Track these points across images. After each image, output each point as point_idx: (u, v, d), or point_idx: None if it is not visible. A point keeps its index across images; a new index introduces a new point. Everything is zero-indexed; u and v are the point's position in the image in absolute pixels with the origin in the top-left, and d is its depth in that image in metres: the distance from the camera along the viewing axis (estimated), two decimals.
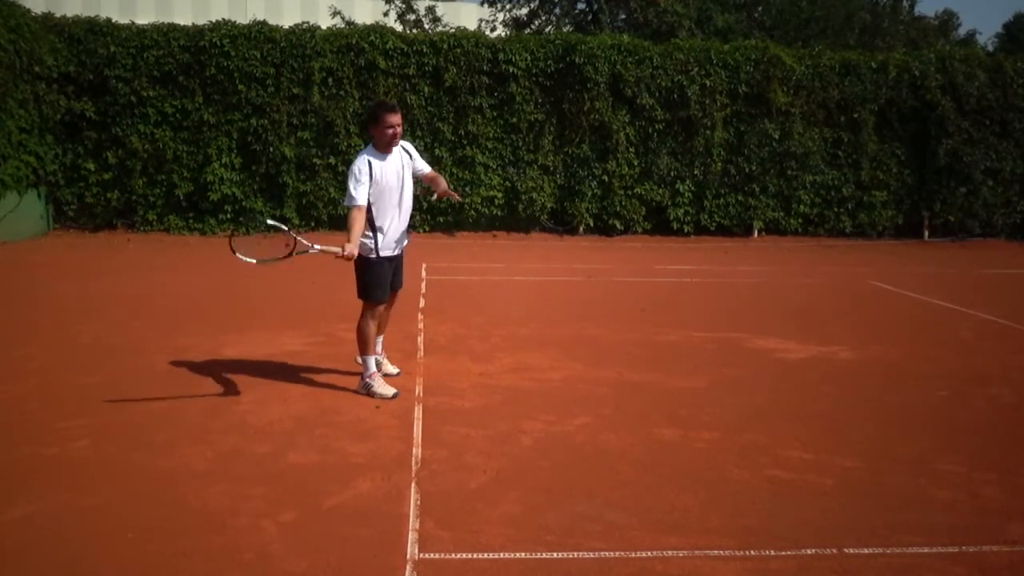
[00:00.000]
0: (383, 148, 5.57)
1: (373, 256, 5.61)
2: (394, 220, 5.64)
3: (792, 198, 16.98)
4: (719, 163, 16.63)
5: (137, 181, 15.27)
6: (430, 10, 23.31)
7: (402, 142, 5.69)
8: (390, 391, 5.72)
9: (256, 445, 4.80)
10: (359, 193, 5.42)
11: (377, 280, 5.68)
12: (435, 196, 5.84)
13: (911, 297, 10.52)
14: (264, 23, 15.56)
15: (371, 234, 5.58)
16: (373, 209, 5.53)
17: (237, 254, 5.40)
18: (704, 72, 16.37)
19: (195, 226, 15.55)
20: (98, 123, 15.11)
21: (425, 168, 5.87)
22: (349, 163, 5.72)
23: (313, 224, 15.81)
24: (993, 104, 17.00)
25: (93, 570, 3.41)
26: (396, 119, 5.52)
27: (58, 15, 15.28)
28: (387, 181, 5.54)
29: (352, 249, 5.33)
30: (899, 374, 6.73)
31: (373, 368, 5.77)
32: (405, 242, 5.84)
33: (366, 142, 5.94)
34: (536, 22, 24.74)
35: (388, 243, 5.68)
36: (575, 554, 3.58)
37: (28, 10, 14.37)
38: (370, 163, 5.48)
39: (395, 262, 5.81)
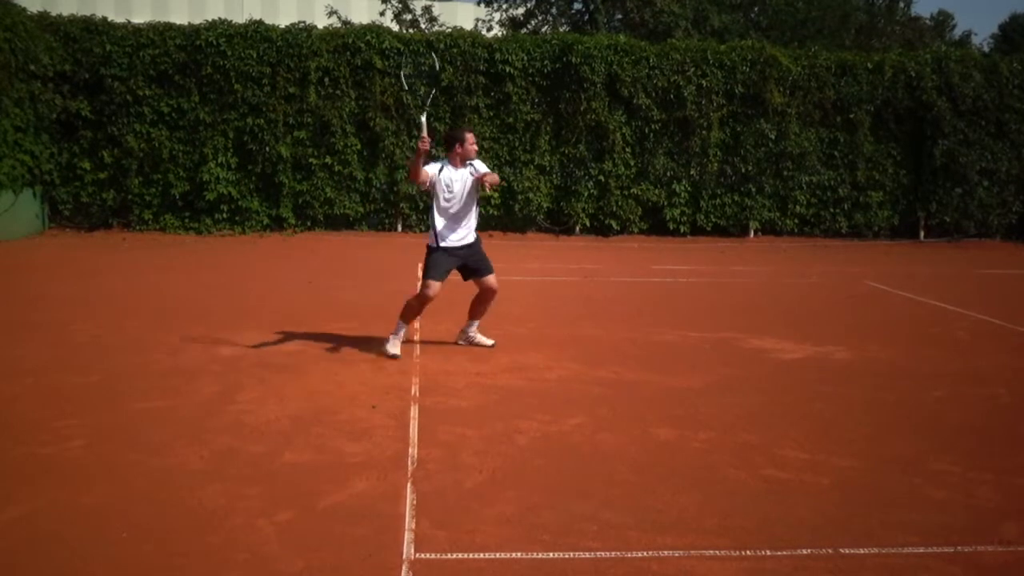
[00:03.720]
0: (459, 161, 6.67)
1: (433, 245, 6.70)
2: (454, 222, 6.69)
3: (788, 198, 17.00)
4: (715, 163, 16.64)
5: (133, 180, 15.26)
6: (426, 10, 23.31)
7: (473, 161, 6.74)
8: (395, 351, 6.66)
9: (252, 445, 4.79)
10: (426, 170, 6.57)
11: (433, 263, 6.69)
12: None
13: (907, 297, 10.54)
14: (260, 22, 15.56)
15: (434, 229, 6.69)
16: (437, 210, 6.63)
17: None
18: (700, 72, 16.38)
19: (191, 225, 15.54)
20: (94, 122, 15.09)
21: (483, 168, 6.79)
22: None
23: (309, 224, 15.80)
24: (989, 105, 17.02)
25: (89, 570, 3.39)
26: (473, 137, 6.79)
27: (54, 14, 15.28)
28: (455, 189, 6.63)
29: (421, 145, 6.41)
30: (895, 374, 6.73)
31: (400, 331, 6.72)
32: (470, 239, 6.82)
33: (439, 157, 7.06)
34: (532, 22, 24.77)
35: (448, 238, 6.69)
36: (571, 554, 3.58)
37: (24, 9, 14.35)
38: (442, 167, 6.66)
39: (462, 253, 6.77)
